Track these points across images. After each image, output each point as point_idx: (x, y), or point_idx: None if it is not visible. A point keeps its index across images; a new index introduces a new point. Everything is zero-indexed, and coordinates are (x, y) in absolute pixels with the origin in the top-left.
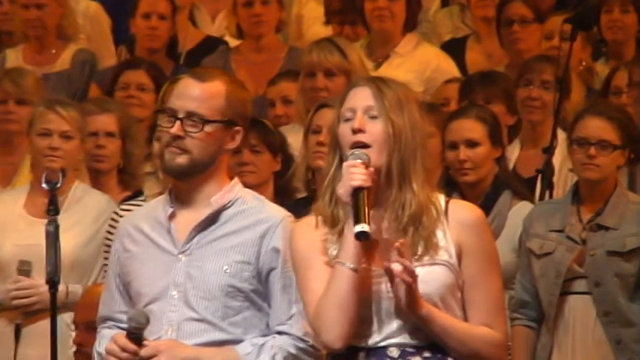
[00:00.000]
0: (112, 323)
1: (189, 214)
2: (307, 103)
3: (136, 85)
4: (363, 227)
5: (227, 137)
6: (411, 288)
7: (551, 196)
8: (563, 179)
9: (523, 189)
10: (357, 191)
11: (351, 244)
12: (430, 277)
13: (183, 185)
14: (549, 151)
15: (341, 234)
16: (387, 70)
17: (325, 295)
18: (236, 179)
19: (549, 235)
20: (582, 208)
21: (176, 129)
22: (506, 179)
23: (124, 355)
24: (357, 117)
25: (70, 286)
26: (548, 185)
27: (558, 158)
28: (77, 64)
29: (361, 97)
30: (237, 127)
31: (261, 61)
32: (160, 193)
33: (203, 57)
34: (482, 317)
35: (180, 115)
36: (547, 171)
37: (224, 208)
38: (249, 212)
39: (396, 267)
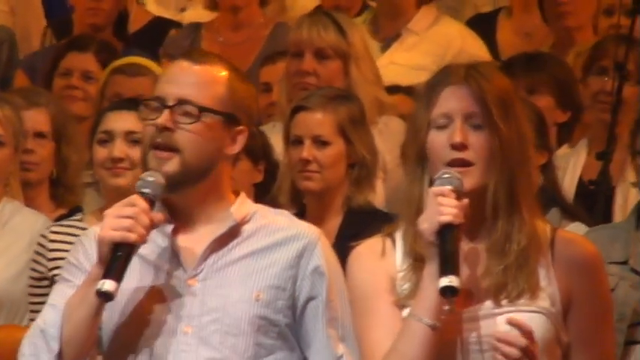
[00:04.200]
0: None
1: (193, 233)
2: (291, 91)
3: (80, 72)
4: (451, 281)
5: (227, 138)
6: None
7: (608, 214)
8: (624, 197)
9: (575, 206)
10: (445, 229)
11: (431, 297)
12: None
13: (178, 199)
14: (606, 157)
15: (416, 273)
16: (397, 53)
17: (392, 356)
18: (243, 194)
19: (609, 268)
20: None
21: (164, 118)
22: (554, 193)
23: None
24: (457, 127)
25: None
26: (605, 201)
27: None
28: None
29: (459, 100)
30: (240, 127)
31: (239, 41)
32: (103, 210)
33: (151, 42)
34: None
35: (170, 103)
36: (603, 183)
37: (244, 221)
38: (275, 228)
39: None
